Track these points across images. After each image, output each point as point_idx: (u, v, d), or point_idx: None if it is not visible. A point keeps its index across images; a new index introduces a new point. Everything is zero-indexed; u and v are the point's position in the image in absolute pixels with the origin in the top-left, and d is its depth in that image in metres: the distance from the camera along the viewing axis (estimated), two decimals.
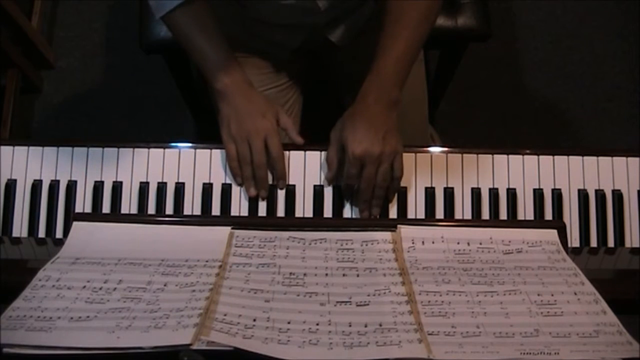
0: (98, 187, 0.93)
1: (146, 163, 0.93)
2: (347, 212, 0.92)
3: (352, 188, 0.90)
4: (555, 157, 0.93)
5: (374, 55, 0.89)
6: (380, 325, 0.59)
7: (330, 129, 0.93)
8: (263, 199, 0.93)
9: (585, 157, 0.93)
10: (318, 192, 0.93)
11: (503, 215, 0.92)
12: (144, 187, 0.92)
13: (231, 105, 0.92)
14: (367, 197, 0.90)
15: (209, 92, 1.13)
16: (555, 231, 0.74)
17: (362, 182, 0.89)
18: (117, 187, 0.92)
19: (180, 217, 0.89)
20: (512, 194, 0.92)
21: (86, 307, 0.61)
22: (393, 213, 0.92)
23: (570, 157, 0.93)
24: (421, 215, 0.92)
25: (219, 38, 0.93)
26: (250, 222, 0.82)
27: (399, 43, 0.88)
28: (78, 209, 0.92)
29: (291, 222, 0.83)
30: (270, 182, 0.93)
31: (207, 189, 0.92)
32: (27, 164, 0.94)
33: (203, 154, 0.94)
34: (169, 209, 0.92)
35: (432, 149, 0.93)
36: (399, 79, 0.89)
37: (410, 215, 0.92)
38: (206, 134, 1.72)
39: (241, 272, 0.68)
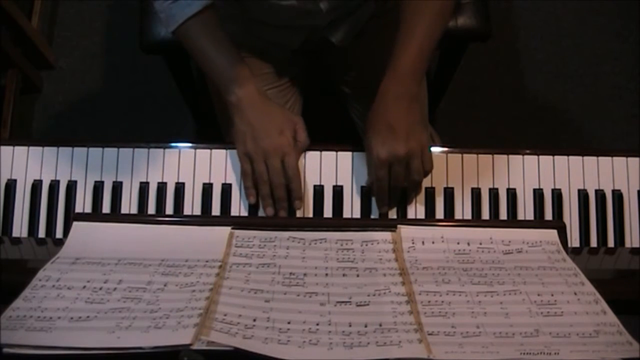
0: (98, 187, 0.93)
1: (146, 163, 0.93)
2: (347, 212, 0.92)
3: (385, 190, 0.89)
4: (555, 157, 0.93)
5: (390, 53, 0.88)
6: (380, 325, 0.59)
7: (330, 129, 0.93)
8: (286, 210, 0.92)
9: (585, 157, 0.93)
10: (318, 192, 0.93)
11: (503, 215, 0.92)
12: (144, 187, 0.92)
13: (246, 120, 0.91)
14: (397, 196, 0.90)
15: (211, 96, 1.13)
16: (555, 231, 0.75)
17: (392, 182, 0.88)
18: (117, 187, 0.92)
19: (180, 217, 0.89)
20: (512, 194, 0.92)
21: (86, 307, 0.61)
22: (393, 213, 0.92)
23: (570, 157, 0.93)
24: (421, 215, 0.92)
25: (231, 49, 0.92)
26: (250, 222, 0.82)
27: (415, 40, 0.87)
28: (78, 209, 0.92)
29: (291, 222, 0.83)
30: None
31: (207, 189, 0.92)
32: (27, 164, 0.94)
33: (203, 154, 0.94)
34: (169, 209, 0.92)
35: (432, 149, 0.93)
36: (417, 74, 0.88)
37: (410, 215, 0.92)
38: (206, 134, 1.72)
39: (241, 272, 0.68)
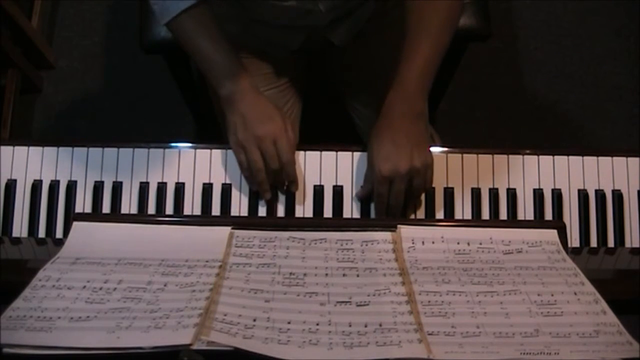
0: (98, 187, 0.93)
1: (146, 163, 0.93)
2: (347, 212, 0.92)
3: (384, 206, 0.89)
4: (555, 157, 0.94)
5: (396, 66, 0.87)
6: (380, 325, 0.59)
7: (330, 129, 0.93)
8: (283, 194, 0.93)
9: (585, 157, 0.93)
10: (318, 192, 0.93)
11: (503, 215, 0.92)
12: (144, 187, 0.92)
13: (237, 112, 0.91)
14: (396, 212, 0.89)
15: (211, 96, 1.13)
16: (555, 231, 0.74)
17: (392, 199, 0.88)
18: (117, 187, 0.92)
19: (180, 217, 0.89)
20: (512, 194, 0.92)
21: (86, 307, 0.61)
22: None
23: (570, 157, 0.93)
24: (421, 215, 0.92)
25: (224, 43, 0.92)
26: (250, 222, 0.82)
27: (421, 53, 0.86)
28: (78, 209, 0.92)
29: (291, 222, 0.83)
30: None
31: (207, 189, 0.92)
32: (27, 164, 0.94)
33: (203, 154, 0.94)
34: (169, 209, 0.92)
35: (432, 149, 0.93)
36: (423, 89, 0.88)
37: (410, 215, 0.92)
38: (206, 134, 1.72)
39: (241, 272, 0.68)
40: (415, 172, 0.87)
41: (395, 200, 0.88)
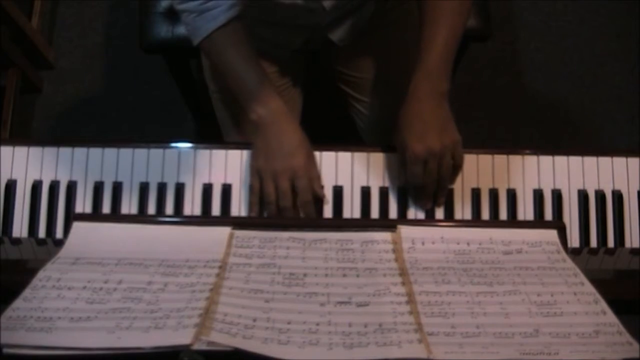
0: (98, 187, 0.93)
1: (146, 163, 0.93)
2: (347, 212, 0.92)
3: (419, 186, 0.90)
4: (555, 157, 0.94)
5: (417, 53, 0.89)
6: (380, 325, 0.59)
7: (330, 129, 0.93)
8: None
9: (585, 157, 0.93)
10: None
11: (503, 215, 0.92)
12: (144, 187, 0.92)
13: (263, 138, 0.91)
14: (432, 191, 0.90)
15: (211, 96, 1.13)
16: (555, 231, 0.75)
17: (426, 178, 0.88)
18: (117, 188, 0.92)
19: (180, 218, 0.89)
20: (512, 194, 0.92)
21: (86, 308, 0.61)
22: (393, 213, 0.92)
23: (570, 157, 0.93)
24: (421, 215, 0.92)
25: (255, 65, 0.92)
26: (250, 222, 0.82)
27: (439, 38, 0.88)
28: (78, 209, 0.92)
29: (291, 222, 0.83)
30: None
31: (207, 189, 0.92)
32: (27, 164, 0.94)
33: (203, 154, 0.94)
34: (169, 209, 0.92)
35: None
36: (445, 71, 0.89)
37: (411, 215, 0.92)
38: (206, 134, 1.72)
39: (241, 272, 0.68)
40: (446, 150, 0.88)
41: (429, 179, 0.88)
